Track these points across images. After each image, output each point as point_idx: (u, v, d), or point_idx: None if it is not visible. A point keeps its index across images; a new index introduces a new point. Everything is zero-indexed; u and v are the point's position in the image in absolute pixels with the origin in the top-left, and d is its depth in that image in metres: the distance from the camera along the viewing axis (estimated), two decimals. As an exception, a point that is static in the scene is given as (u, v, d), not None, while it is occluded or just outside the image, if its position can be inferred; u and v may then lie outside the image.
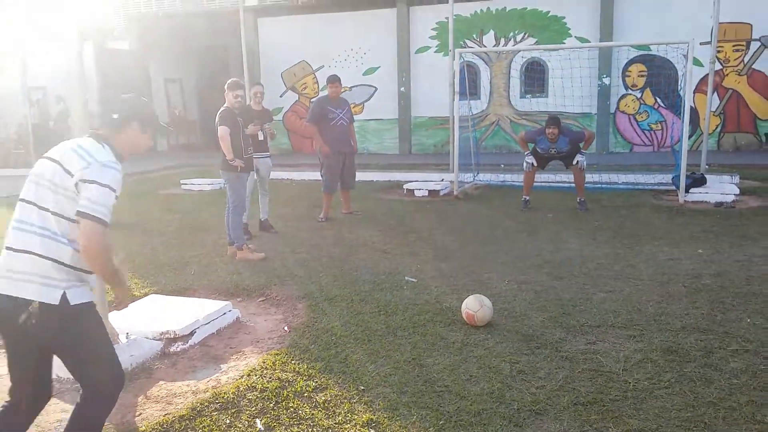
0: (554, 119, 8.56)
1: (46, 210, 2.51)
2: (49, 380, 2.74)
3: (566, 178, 10.44)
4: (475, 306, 4.45)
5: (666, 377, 3.62)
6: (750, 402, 3.30)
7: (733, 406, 3.28)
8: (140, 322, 4.43)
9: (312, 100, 9.10)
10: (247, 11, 16.29)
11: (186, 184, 12.30)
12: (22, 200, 2.58)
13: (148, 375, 3.94)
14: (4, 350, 2.69)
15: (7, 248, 2.53)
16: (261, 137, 7.52)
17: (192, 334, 4.37)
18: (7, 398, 2.67)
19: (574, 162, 8.66)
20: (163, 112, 20.24)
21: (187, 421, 3.31)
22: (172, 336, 4.29)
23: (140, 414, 3.44)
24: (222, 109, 6.63)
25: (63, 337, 2.54)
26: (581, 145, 8.72)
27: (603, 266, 5.92)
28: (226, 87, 6.68)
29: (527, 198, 9.00)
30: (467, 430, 3.14)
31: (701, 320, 4.47)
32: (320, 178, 8.84)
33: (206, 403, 3.49)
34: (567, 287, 5.32)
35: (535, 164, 8.91)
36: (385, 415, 3.30)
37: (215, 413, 3.39)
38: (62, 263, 2.50)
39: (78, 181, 2.50)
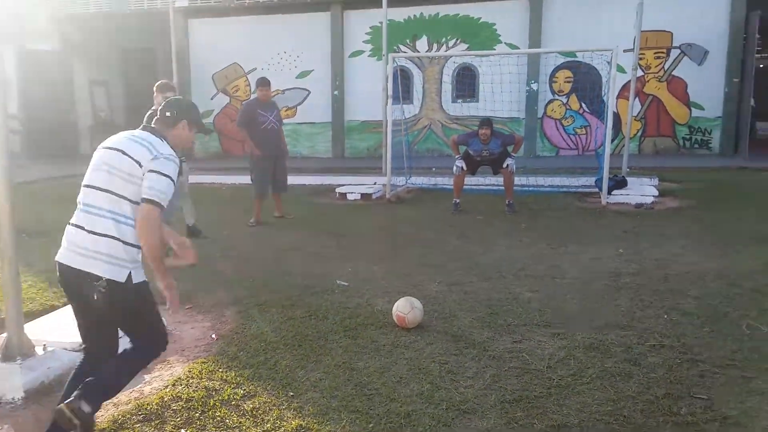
0: (487, 121, 8.75)
1: (122, 197, 2.92)
2: (115, 333, 3.18)
3: (495, 181, 10.66)
4: (405, 308, 4.49)
5: (588, 373, 3.74)
6: (667, 395, 3.45)
7: (651, 399, 3.41)
8: (59, 333, 4.27)
9: (243, 103, 8.94)
10: (177, 12, 15.97)
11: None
12: (91, 186, 2.99)
13: (68, 387, 3.80)
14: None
15: (77, 226, 2.97)
16: None
17: (115, 343, 4.23)
18: (83, 345, 3.21)
19: (504, 165, 8.83)
20: (88, 115, 19.57)
21: (109, 434, 3.22)
22: (94, 346, 4.14)
23: (59, 428, 3.32)
24: (150, 112, 6.45)
25: (123, 310, 3.01)
26: (510, 149, 8.93)
27: (529, 267, 6.07)
28: (155, 89, 6.53)
29: (457, 201, 9.14)
30: (396, 432, 3.16)
31: (621, 317, 4.64)
32: (251, 182, 8.75)
33: (128, 415, 3.39)
34: (495, 288, 5.43)
35: (465, 168, 9.05)
36: (314, 421, 3.29)
37: (138, 425, 3.30)
38: (131, 244, 2.93)
39: (146, 171, 2.91)
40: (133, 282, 2.96)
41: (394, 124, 10.94)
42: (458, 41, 16.48)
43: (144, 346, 3.15)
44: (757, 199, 9.39)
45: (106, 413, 3.43)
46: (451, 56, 16.30)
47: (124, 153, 2.96)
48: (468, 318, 4.70)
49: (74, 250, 2.94)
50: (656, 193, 9.81)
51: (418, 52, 16.55)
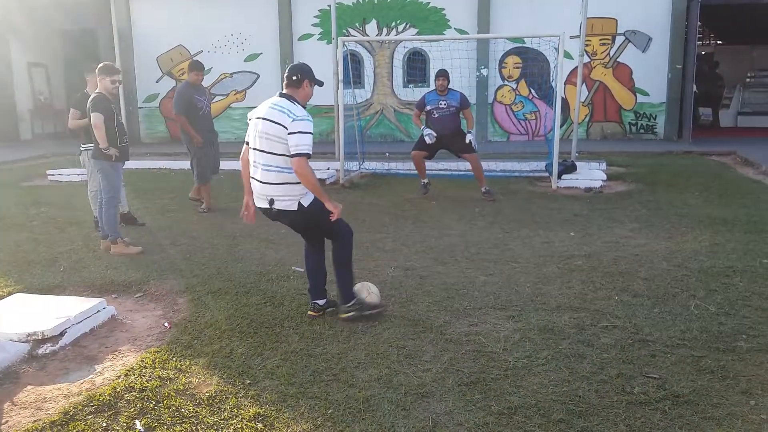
0: (443, 71, 8.71)
1: (280, 155, 4.08)
2: (316, 235, 4.50)
3: (450, 165, 10.73)
4: (362, 293, 4.46)
5: (543, 354, 3.79)
6: (619, 375, 3.52)
7: (605, 379, 3.48)
8: (4, 324, 4.11)
9: (177, 88, 8.60)
10: (118, -8, 15.48)
11: (53, 175, 11.51)
12: (257, 150, 4.17)
13: (15, 380, 3.65)
14: None
15: (260, 181, 4.18)
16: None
17: (62, 334, 4.09)
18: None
19: (467, 141, 8.56)
20: (27, 98, 18.83)
21: (60, 427, 3.11)
22: (40, 337, 4.00)
23: (6, 422, 3.19)
24: (95, 94, 6.23)
25: (307, 224, 4.35)
26: (466, 131, 8.71)
27: (484, 251, 6.12)
28: (98, 71, 6.25)
29: (425, 181, 9.07)
30: (355, 417, 3.14)
31: (574, 299, 4.72)
32: (191, 168, 8.47)
33: (80, 407, 3.28)
34: (450, 272, 5.46)
35: (433, 139, 8.67)
36: (272, 408, 3.24)
37: (90, 417, 3.20)
38: (293, 183, 4.11)
39: (289, 133, 4.00)
40: (305, 206, 4.18)
41: (345, 108, 10.85)
42: (408, 26, 16.45)
43: (339, 239, 4.40)
44: (701, 182, 9.68)
45: (56, 405, 3.32)
46: (401, 41, 16.26)
47: (273, 122, 4.05)
48: (425, 302, 4.70)
49: (258, 196, 4.26)
50: (605, 177, 10.02)
51: (368, 36, 16.45)
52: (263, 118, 4.10)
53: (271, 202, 4.18)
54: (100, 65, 6.35)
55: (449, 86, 8.76)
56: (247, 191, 4.38)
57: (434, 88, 8.85)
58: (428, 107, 8.78)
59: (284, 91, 4.20)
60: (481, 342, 3.99)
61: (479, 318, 4.39)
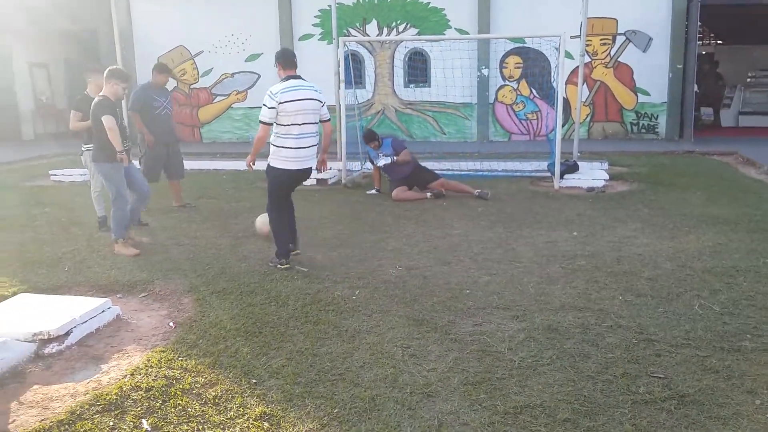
0: (368, 133, 9.41)
1: (316, 123, 5.58)
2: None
3: (453, 166, 10.73)
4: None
5: (548, 354, 3.80)
6: (624, 374, 3.52)
7: (610, 378, 3.48)
8: (10, 323, 4.11)
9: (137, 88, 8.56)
10: (119, -7, 15.48)
11: (56, 175, 11.51)
12: (300, 124, 5.40)
13: (21, 379, 3.65)
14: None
15: (303, 148, 5.50)
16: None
17: (68, 334, 4.09)
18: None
19: (380, 164, 9.12)
20: (28, 98, 18.84)
21: (67, 426, 3.11)
22: (46, 337, 4.00)
23: (14, 421, 3.19)
24: (100, 97, 6.16)
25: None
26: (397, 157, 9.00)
27: (487, 250, 6.13)
28: (110, 75, 6.11)
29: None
30: (361, 416, 3.15)
31: (578, 299, 4.73)
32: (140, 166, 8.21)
33: (86, 406, 3.28)
34: (454, 272, 5.46)
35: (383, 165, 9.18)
36: (278, 407, 3.25)
37: (97, 416, 3.20)
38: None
39: (322, 105, 5.55)
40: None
41: (347, 108, 10.86)
42: (408, 26, 16.46)
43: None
44: (703, 182, 9.69)
45: (63, 404, 3.33)
46: (402, 41, 16.27)
47: (313, 99, 5.43)
48: (429, 302, 4.71)
49: (302, 159, 5.54)
50: (607, 177, 10.02)
51: (369, 36, 16.46)
52: (306, 99, 5.41)
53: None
54: (113, 69, 6.22)
55: (379, 138, 9.24)
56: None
57: (388, 135, 9.50)
58: (378, 164, 9.25)
59: (297, 73, 5.51)
60: (485, 342, 4.00)
61: (484, 318, 4.40)
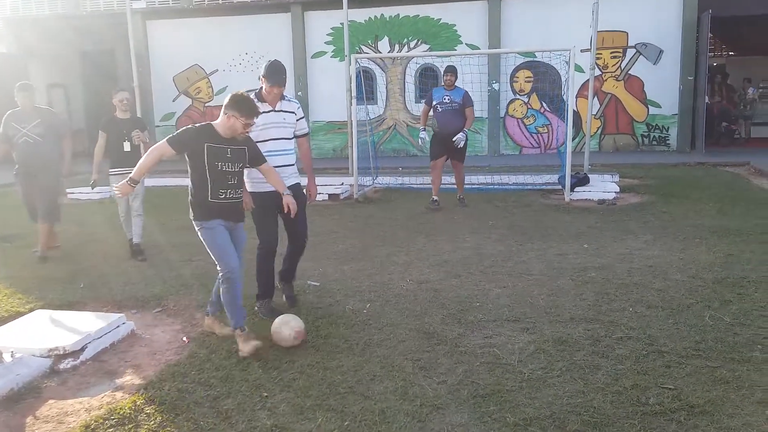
0: (451, 66, 8.96)
1: (289, 138, 5.04)
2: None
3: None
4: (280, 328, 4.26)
5: (558, 366, 3.81)
6: (635, 386, 3.52)
7: (620, 390, 3.49)
8: (26, 339, 4.19)
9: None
10: (135, 14, 15.76)
11: (73, 193, 11.67)
12: (273, 139, 4.90)
13: (37, 394, 3.72)
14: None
15: (277, 166, 4.77)
16: (127, 148, 6.74)
17: (83, 349, 4.16)
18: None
19: (453, 139, 8.78)
20: (45, 118, 19.10)
21: (81, 440, 3.17)
22: (61, 352, 4.07)
23: (29, 436, 3.26)
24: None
25: (301, 197, 5.08)
26: (464, 129, 8.85)
27: (497, 263, 6.15)
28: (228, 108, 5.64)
29: (436, 199, 9.19)
30: (372, 429, 3.18)
31: (588, 311, 4.73)
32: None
33: (101, 420, 3.34)
34: (464, 285, 5.49)
35: (423, 143, 9.21)
36: (289, 420, 3.28)
37: (111, 430, 3.26)
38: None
39: (298, 118, 5.11)
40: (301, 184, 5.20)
41: (359, 124, 10.96)
42: (419, 42, 16.59)
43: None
44: (715, 193, 9.65)
45: (78, 419, 3.38)
46: (413, 57, 16.38)
47: (284, 111, 5.00)
48: (439, 315, 4.74)
49: (283, 177, 4.88)
50: (618, 189, 10.02)
51: (380, 52, 16.60)
52: (277, 110, 5.02)
53: None
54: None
55: (456, 83, 8.96)
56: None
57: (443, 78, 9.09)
58: (434, 102, 9.02)
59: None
60: (495, 354, 4.01)
61: (494, 330, 4.42)
